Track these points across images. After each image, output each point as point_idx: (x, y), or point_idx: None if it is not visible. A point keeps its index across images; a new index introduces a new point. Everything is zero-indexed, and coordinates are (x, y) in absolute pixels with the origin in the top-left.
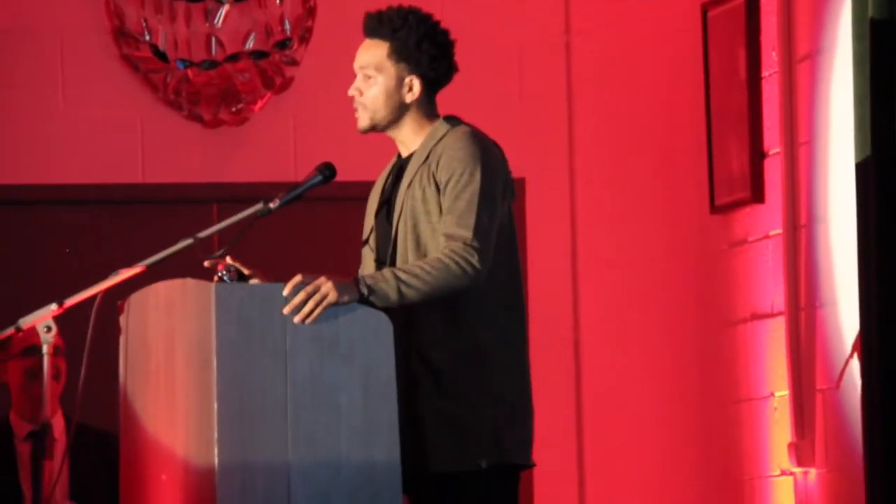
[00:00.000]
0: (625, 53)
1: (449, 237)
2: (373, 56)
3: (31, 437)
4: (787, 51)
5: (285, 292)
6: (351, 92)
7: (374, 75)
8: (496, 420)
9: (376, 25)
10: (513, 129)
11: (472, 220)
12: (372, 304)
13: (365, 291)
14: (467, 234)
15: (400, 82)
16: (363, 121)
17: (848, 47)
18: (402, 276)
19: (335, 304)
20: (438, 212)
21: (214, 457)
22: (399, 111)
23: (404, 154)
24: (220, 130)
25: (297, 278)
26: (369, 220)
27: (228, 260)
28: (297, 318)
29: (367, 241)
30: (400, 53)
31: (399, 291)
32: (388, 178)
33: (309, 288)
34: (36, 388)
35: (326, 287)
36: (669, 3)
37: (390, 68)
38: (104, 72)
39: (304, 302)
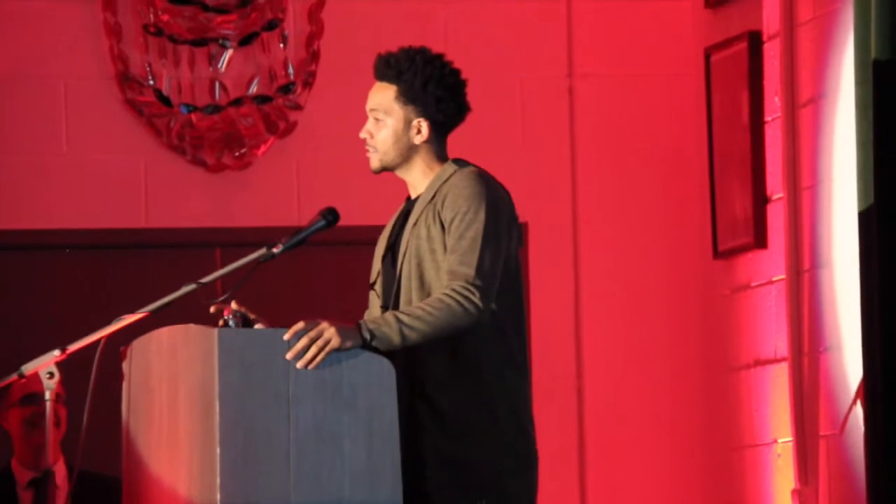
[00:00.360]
0: (627, 97)
1: (452, 275)
2: (382, 99)
3: (32, 485)
4: (790, 95)
5: (286, 337)
6: (362, 134)
7: (383, 118)
8: (499, 462)
9: (384, 68)
10: (515, 173)
11: (474, 259)
12: (375, 349)
13: (367, 336)
14: (470, 272)
15: (408, 125)
16: (374, 162)
17: (851, 92)
18: (404, 318)
19: (338, 350)
20: (443, 251)
21: (217, 502)
22: (408, 153)
23: (413, 195)
24: (223, 175)
25: (300, 325)
26: (376, 265)
27: (234, 305)
28: (299, 364)
29: (373, 286)
30: (407, 96)
31: (401, 334)
32: (395, 222)
33: (311, 333)
34: (36, 436)
35: (329, 333)
36: (672, 47)
37: (398, 111)
38: (108, 116)
39: (307, 348)
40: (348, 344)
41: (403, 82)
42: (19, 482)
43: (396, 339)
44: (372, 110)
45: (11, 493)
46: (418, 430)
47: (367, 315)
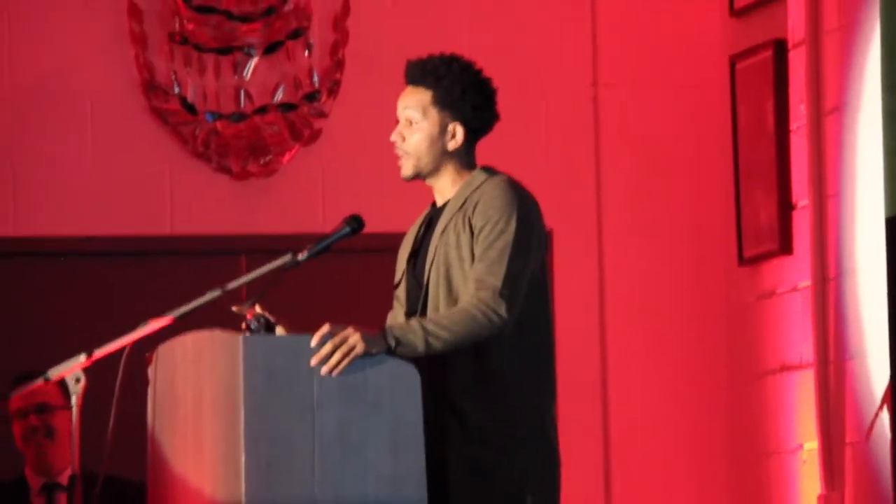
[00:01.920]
0: (652, 106)
1: (478, 284)
2: (417, 102)
3: (44, 491)
4: (816, 103)
5: (313, 343)
6: (393, 137)
7: (418, 120)
8: (522, 467)
9: (421, 73)
10: (540, 181)
11: (502, 269)
12: (399, 355)
13: (392, 343)
14: (497, 282)
15: (443, 129)
16: (407, 168)
17: (877, 100)
18: (430, 326)
19: (363, 356)
20: (471, 259)
21: None
22: (441, 159)
23: (440, 202)
24: (248, 182)
25: (325, 328)
26: (400, 271)
27: (257, 308)
28: (323, 370)
29: (397, 292)
30: (444, 101)
31: (426, 342)
32: (420, 227)
33: (336, 339)
34: (45, 445)
35: (354, 339)
36: (698, 56)
37: (434, 115)
38: (133, 124)
39: (332, 353)
40: (373, 350)
41: (442, 87)
42: (32, 489)
43: (421, 347)
44: (406, 112)
45: (26, 499)
46: (443, 436)
47: (389, 319)
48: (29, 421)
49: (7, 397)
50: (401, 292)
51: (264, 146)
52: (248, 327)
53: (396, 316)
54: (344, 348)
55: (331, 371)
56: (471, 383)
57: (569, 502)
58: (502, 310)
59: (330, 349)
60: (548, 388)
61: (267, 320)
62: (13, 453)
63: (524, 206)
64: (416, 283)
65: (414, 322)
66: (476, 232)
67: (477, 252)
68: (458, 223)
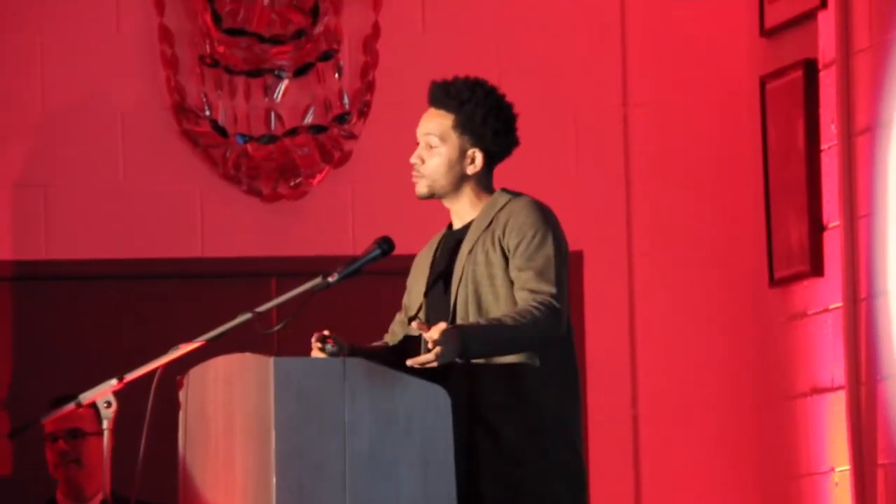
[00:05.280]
0: (682, 126)
1: (532, 292)
2: (438, 126)
3: None
4: (847, 123)
5: (434, 336)
6: (413, 159)
7: (437, 145)
8: (554, 488)
9: (444, 97)
10: (570, 201)
11: (552, 276)
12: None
13: (463, 348)
14: (551, 288)
15: (463, 154)
16: (421, 188)
17: None
18: (492, 328)
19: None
20: (503, 276)
21: None
22: (459, 182)
23: (457, 225)
24: (278, 204)
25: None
26: (416, 294)
27: (326, 333)
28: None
29: (415, 316)
30: (465, 126)
31: (495, 344)
32: (437, 250)
33: (438, 350)
34: (74, 470)
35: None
36: (727, 76)
37: (454, 140)
38: (164, 146)
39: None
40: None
41: (463, 112)
42: None
43: (491, 349)
44: (426, 136)
45: None
46: (476, 454)
47: (392, 330)
48: (59, 446)
49: (36, 422)
50: (422, 314)
51: (295, 168)
52: (322, 349)
53: (398, 324)
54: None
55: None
56: (504, 402)
57: None
58: (559, 307)
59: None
60: (576, 408)
61: (340, 343)
62: (45, 476)
63: (556, 224)
64: (441, 302)
65: (482, 323)
66: (511, 249)
67: (518, 264)
68: (486, 242)
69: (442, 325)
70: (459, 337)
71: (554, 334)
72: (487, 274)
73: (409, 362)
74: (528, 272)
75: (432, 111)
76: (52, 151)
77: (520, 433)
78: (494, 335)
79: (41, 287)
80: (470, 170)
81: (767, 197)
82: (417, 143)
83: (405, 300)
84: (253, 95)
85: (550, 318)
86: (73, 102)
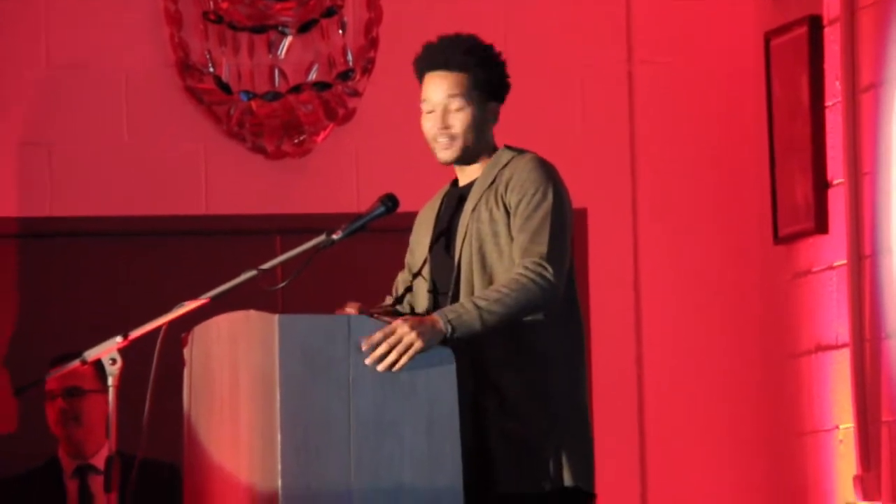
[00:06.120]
0: (687, 83)
1: (524, 253)
2: (459, 87)
3: (78, 473)
4: (851, 80)
5: (364, 348)
6: (434, 127)
7: (462, 106)
8: (559, 444)
9: (460, 56)
10: (574, 159)
11: (545, 237)
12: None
13: (449, 330)
14: (542, 248)
15: (485, 111)
16: (455, 151)
17: None
18: (482, 303)
19: (421, 351)
20: (506, 233)
21: (278, 488)
22: (484, 140)
23: (463, 182)
24: (283, 162)
25: (377, 336)
26: (420, 252)
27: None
28: (380, 367)
29: (419, 273)
30: (483, 83)
31: (482, 319)
32: (440, 207)
33: (392, 339)
34: (72, 429)
35: (410, 337)
36: (732, 33)
37: (477, 98)
38: (168, 104)
39: (388, 352)
40: (432, 343)
41: (480, 69)
42: (65, 471)
43: (478, 326)
44: (449, 99)
45: (59, 481)
46: (481, 412)
47: (411, 300)
48: (58, 404)
49: (43, 380)
50: (425, 273)
51: (299, 125)
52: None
53: (417, 297)
54: (400, 347)
55: (389, 367)
56: (509, 360)
57: (605, 481)
58: (550, 275)
59: (385, 349)
60: (581, 364)
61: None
62: (49, 434)
63: (558, 180)
64: (445, 260)
65: (466, 302)
66: (512, 206)
67: (516, 224)
68: (489, 200)
69: (376, 336)
70: (434, 322)
71: (545, 299)
72: (491, 231)
73: (367, 361)
74: (523, 234)
75: (442, 74)
76: (56, 109)
77: (524, 390)
78: (475, 310)
79: (46, 244)
80: (491, 125)
81: (772, 154)
82: (426, 110)
83: (408, 258)
84: (257, 52)
85: (536, 282)
86: (76, 60)
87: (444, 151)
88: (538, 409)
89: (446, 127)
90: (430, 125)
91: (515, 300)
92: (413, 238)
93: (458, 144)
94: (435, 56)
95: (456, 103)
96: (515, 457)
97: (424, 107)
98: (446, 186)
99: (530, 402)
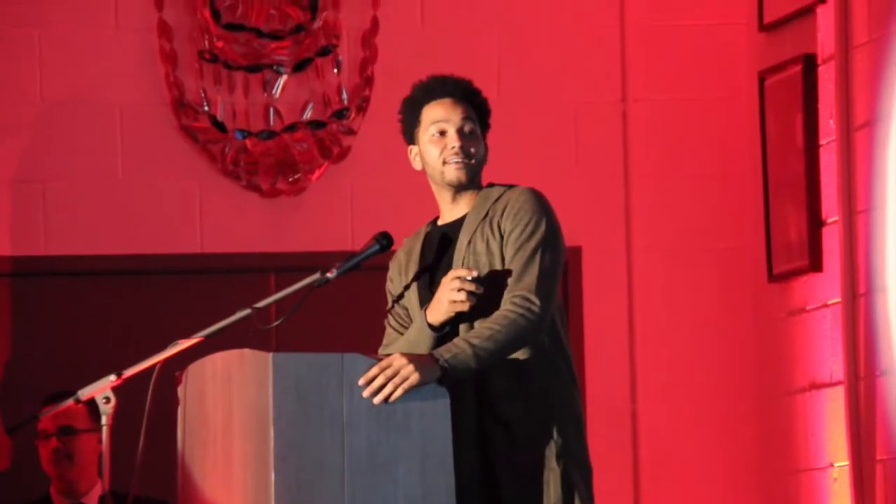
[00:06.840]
0: (682, 121)
1: (512, 287)
2: (471, 114)
3: None
4: (845, 119)
5: (361, 383)
6: (458, 146)
7: (475, 129)
8: (566, 472)
9: (468, 88)
10: (569, 196)
11: (535, 269)
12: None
13: (445, 367)
14: (531, 281)
15: (483, 144)
16: (469, 171)
17: None
18: (475, 341)
19: (418, 386)
20: (503, 265)
21: None
22: (480, 172)
23: (448, 219)
24: (277, 200)
25: (374, 371)
26: (417, 293)
27: None
28: (376, 399)
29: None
30: (484, 119)
31: (477, 357)
32: (424, 247)
33: (389, 371)
34: (65, 466)
35: (407, 370)
36: (727, 71)
37: (481, 129)
38: (163, 142)
39: (384, 384)
40: (429, 379)
41: (481, 107)
42: None
43: (473, 364)
44: (466, 122)
45: None
46: (487, 442)
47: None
48: (51, 443)
49: (36, 418)
50: (414, 312)
51: (293, 164)
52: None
53: (390, 342)
54: (397, 379)
55: (385, 399)
56: (512, 389)
57: None
58: (536, 307)
59: (382, 381)
60: (576, 388)
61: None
62: (41, 472)
63: (551, 212)
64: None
65: (459, 341)
66: (507, 233)
67: (508, 253)
68: (484, 231)
69: (373, 371)
70: (432, 358)
71: (533, 333)
72: (489, 263)
73: (365, 394)
74: (514, 265)
75: (453, 101)
76: (50, 147)
77: (528, 419)
78: (469, 348)
79: (40, 283)
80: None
81: (766, 192)
82: (435, 132)
83: (394, 306)
84: (252, 91)
85: (524, 316)
86: (71, 98)
87: (459, 171)
88: (544, 438)
89: (462, 146)
90: (442, 145)
91: (506, 336)
92: (393, 283)
93: (472, 168)
94: (444, 85)
95: (470, 126)
96: (523, 487)
97: (433, 129)
98: (423, 228)
99: (536, 431)
